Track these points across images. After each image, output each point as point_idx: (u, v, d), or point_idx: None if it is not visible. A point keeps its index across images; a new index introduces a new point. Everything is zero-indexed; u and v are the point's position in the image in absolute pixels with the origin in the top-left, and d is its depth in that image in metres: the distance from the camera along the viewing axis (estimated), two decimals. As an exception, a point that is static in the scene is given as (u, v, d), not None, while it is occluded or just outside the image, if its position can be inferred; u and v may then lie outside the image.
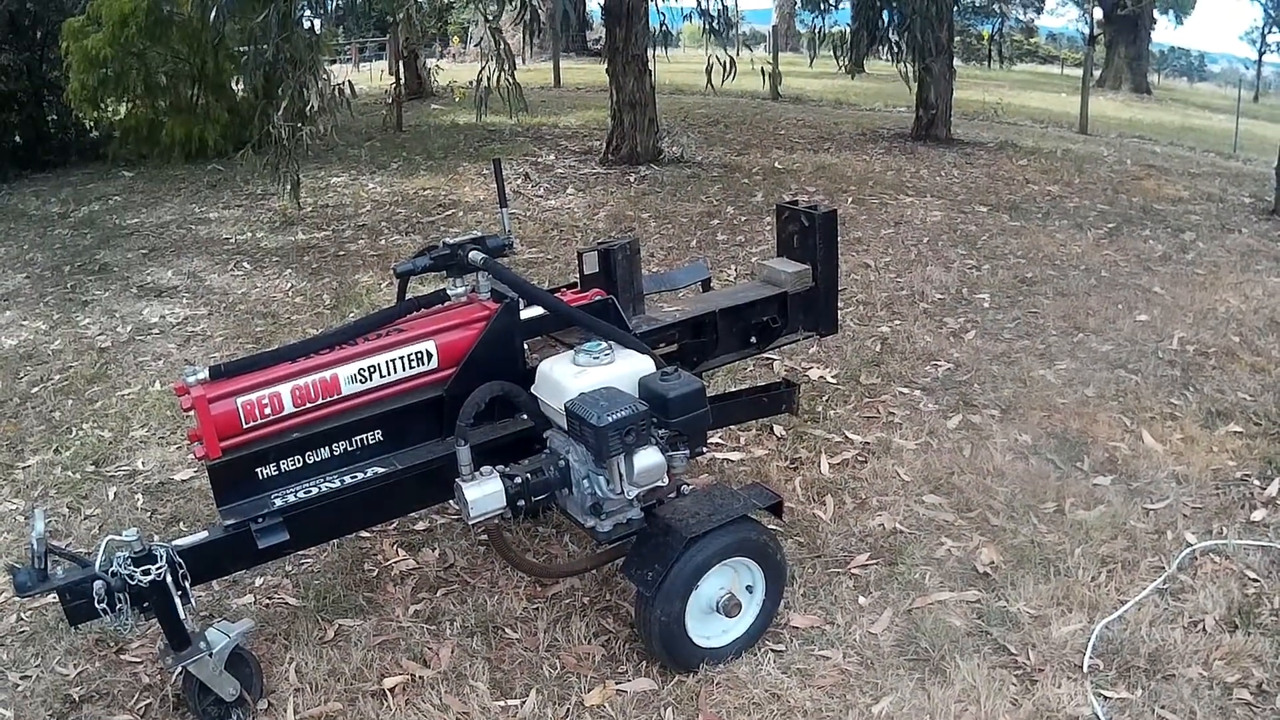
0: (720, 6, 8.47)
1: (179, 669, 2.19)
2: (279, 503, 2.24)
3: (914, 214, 6.92)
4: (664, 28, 8.49)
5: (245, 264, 6.33)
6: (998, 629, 2.54)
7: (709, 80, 7.99)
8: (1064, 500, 3.14)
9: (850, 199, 7.36)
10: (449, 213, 7.48)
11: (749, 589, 2.45)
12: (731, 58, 8.00)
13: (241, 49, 9.08)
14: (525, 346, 2.55)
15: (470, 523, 2.22)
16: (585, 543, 2.96)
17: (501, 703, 2.35)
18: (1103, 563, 2.81)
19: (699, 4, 8.33)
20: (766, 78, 8.32)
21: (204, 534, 2.27)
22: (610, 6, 8.57)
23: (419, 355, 2.44)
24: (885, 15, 8.90)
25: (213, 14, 6.86)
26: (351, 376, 2.36)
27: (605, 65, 9.04)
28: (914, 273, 5.55)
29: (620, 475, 2.21)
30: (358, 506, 2.35)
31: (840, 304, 3.32)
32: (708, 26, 8.37)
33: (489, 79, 7.11)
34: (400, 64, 13.35)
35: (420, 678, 2.44)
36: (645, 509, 2.38)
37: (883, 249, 6.02)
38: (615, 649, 2.51)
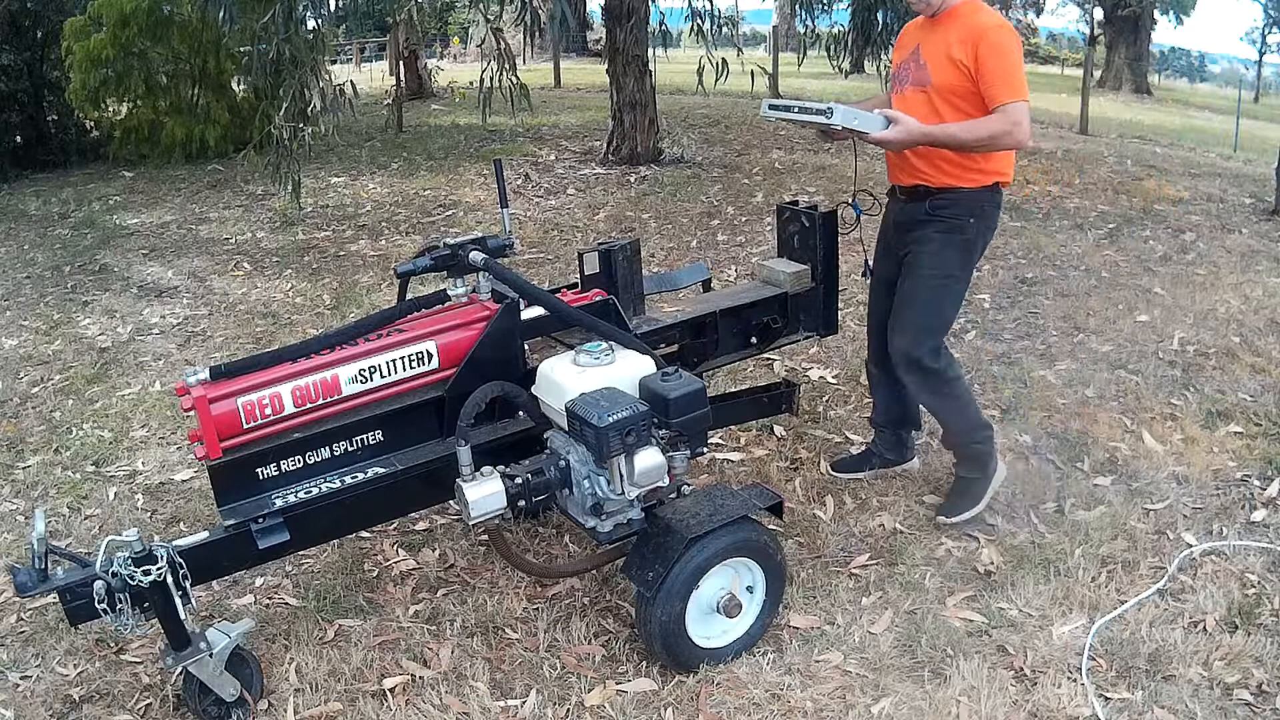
0: (715, 8, 8.47)
1: (179, 669, 2.19)
2: (279, 503, 2.24)
3: (914, 214, 6.91)
4: (663, 27, 8.50)
5: (245, 264, 6.33)
6: (998, 629, 2.54)
7: (700, 81, 8.00)
8: (1064, 500, 3.14)
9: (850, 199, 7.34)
10: (449, 213, 7.49)
11: (749, 589, 2.46)
12: (724, 59, 8.01)
13: (242, 49, 9.09)
14: (526, 347, 2.55)
15: (471, 523, 2.22)
16: (585, 543, 2.96)
17: (501, 703, 2.35)
18: (1103, 563, 2.81)
19: (689, 4, 8.34)
20: (754, 79, 8.30)
21: (204, 534, 2.27)
22: (610, 7, 8.58)
23: (419, 355, 2.44)
24: (880, 16, 8.89)
25: (219, 14, 6.86)
26: (352, 377, 2.36)
27: (605, 65, 9.06)
28: (914, 273, 5.54)
29: (621, 475, 2.21)
30: (358, 506, 2.35)
31: (840, 304, 3.33)
32: (697, 27, 8.37)
33: (491, 79, 7.12)
34: (400, 64, 13.36)
35: (420, 678, 2.44)
36: (646, 509, 2.38)
37: (883, 249, 6.01)
38: (615, 649, 2.51)
